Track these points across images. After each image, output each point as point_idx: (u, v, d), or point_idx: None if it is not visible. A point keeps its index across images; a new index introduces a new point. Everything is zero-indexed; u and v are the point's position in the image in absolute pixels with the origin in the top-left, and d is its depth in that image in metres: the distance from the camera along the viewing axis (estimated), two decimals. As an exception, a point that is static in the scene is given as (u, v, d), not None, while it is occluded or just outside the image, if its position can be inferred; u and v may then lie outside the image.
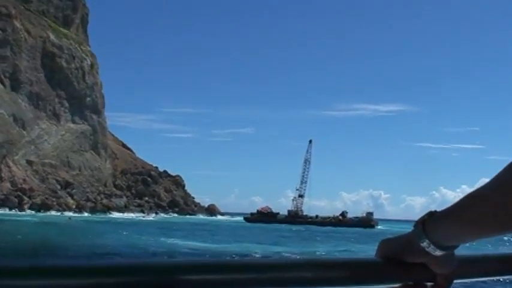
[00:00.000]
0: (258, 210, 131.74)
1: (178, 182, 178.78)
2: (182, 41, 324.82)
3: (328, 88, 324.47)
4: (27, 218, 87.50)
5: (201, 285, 1.17)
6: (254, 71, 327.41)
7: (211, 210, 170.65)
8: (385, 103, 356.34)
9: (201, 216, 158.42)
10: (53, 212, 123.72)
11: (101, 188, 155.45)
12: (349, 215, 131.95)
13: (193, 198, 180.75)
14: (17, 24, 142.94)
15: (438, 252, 1.37)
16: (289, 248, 50.24)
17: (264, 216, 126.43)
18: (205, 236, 64.33)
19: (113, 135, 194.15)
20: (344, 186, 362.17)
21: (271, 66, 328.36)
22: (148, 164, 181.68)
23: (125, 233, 59.01)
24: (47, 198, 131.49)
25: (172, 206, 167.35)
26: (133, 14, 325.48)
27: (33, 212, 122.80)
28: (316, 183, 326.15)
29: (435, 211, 1.39)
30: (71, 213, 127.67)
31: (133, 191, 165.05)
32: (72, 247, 36.59)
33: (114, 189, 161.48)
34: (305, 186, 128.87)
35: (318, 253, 41.23)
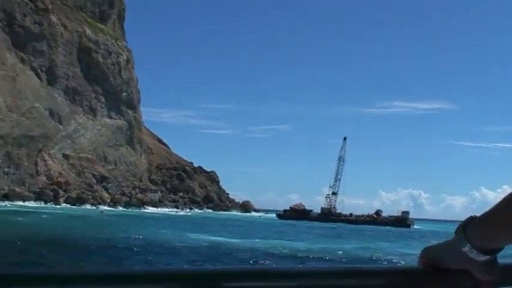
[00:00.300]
0: (290, 207, 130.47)
1: (212, 178, 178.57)
2: (221, 37, 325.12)
3: (368, 85, 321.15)
4: (60, 212, 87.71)
5: None
6: (293, 67, 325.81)
7: (245, 207, 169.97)
8: (425, 101, 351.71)
9: (235, 213, 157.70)
10: (88, 206, 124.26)
11: (136, 183, 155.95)
12: (387, 214, 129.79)
13: (228, 194, 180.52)
14: (54, 18, 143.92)
15: (481, 257, 1.36)
16: (312, 244, 48.88)
17: (297, 214, 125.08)
18: (235, 231, 63.35)
19: (148, 130, 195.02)
20: (382, 185, 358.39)
21: (310, 62, 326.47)
22: (184, 160, 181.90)
23: (151, 227, 58.32)
24: (82, 192, 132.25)
25: (207, 201, 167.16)
26: (172, 10, 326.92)
27: (68, 205, 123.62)
28: (354, 181, 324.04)
29: (476, 216, 1.39)
30: (105, 207, 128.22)
31: (168, 186, 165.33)
32: (93, 239, 35.92)
33: (149, 183, 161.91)
34: (339, 184, 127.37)
35: (339, 252, 39.74)
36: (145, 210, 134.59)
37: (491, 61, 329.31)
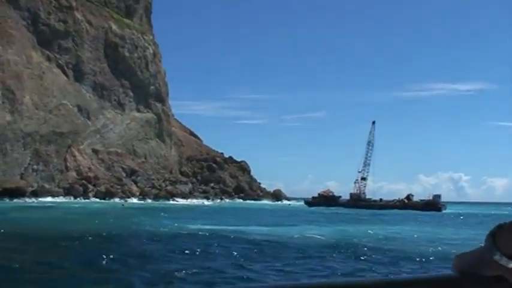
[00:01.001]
0: (319, 194, 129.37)
1: (243, 168, 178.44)
2: (251, 28, 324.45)
3: (404, 68, 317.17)
4: (76, 205, 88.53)
5: None
6: (324, 54, 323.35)
7: (276, 195, 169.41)
8: (463, 82, 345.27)
9: (265, 202, 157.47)
10: (117, 199, 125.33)
11: (166, 175, 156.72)
12: (419, 198, 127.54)
13: (260, 183, 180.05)
14: (78, 15, 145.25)
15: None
16: (327, 228, 48.10)
17: (325, 200, 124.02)
18: (250, 219, 62.95)
19: (179, 123, 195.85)
20: (422, 169, 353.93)
21: (342, 48, 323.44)
22: (214, 151, 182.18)
23: (160, 219, 58.19)
24: (111, 186, 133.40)
25: (238, 191, 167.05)
26: (202, 2, 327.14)
27: (97, 199, 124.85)
28: (392, 166, 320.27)
29: (504, 223, 1.41)
30: (134, 200, 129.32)
31: (198, 178, 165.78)
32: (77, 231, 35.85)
33: (180, 176, 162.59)
34: (368, 169, 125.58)
35: (353, 236, 38.95)
36: (175, 202, 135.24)
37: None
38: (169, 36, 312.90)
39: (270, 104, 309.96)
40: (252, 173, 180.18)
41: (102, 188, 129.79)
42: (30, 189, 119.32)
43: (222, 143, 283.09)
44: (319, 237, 37.98)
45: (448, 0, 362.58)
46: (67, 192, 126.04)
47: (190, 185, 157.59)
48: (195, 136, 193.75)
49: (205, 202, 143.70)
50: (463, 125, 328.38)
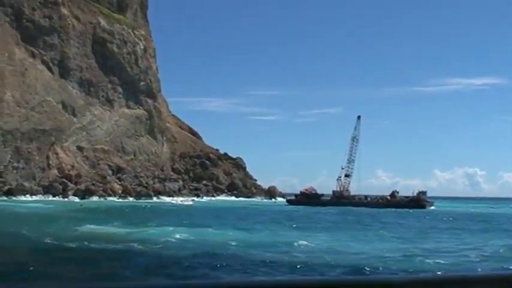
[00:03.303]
0: (301, 192, 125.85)
1: (238, 165, 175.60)
2: (267, 23, 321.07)
3: (419, 64, 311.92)
4: (37, 205, 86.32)
5: None
6: (341, 49, 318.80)
7: (271, 193, 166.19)
8: (479, 76, 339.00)
9: (255, 199, 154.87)
10: (95, 198, 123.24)
11: (156, 172, 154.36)
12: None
13: (255, 180, 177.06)
14: (64, 11, 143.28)
15: None
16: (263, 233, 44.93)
17: (307, 198, 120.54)
18: (192, 219, 60.16)
19: (178, 119, 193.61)
20: (438, 164, 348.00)
21: (358, 43, 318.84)
22: (209, 147, 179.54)
23: (95, 220, 55.47)
24: (93, 184, 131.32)
25: (231, 188, 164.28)
26: (213, 3, 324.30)
27: (76, 198, 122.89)
28: (408, 161, 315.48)
29: None
30: (115, 199, 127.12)
31: (191, 175, 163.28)
32: None
33: (171, 173, 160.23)
34: (353, 166, 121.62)
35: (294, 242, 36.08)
36: (160, 200, 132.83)
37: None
38: (181, 32, 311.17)
39: (286, 100, 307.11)
40: (247, 170, 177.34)
41: (82, 186, 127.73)
42: (5, 187, 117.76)
43: (236, 139, 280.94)
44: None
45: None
46: (46, 190, 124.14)
47: (180, 183, 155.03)
48: (194, 133, 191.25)
49: (195, 199, 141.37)
50: (479, 120, 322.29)
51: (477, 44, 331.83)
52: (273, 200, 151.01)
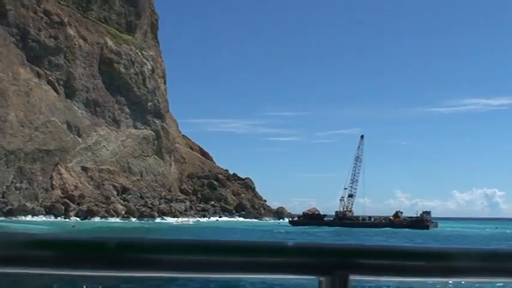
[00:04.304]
0: (303, 213, 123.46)
1: (247, 185, 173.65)
2: (284, 45, 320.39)
3: (437, 84, 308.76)
4: (32, 226, 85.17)
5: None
6: (357, 70, 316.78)
7: (279, 214, 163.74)
8: (496, 97, 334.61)
9: (264, 220, 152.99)
10: (97, 219, 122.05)
11: (163, 193, 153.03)
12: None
13: (265, 200, 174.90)
14: (71, 31, 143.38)
15: None
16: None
17: (310, 219, 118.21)
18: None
19: (189, 139, 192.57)
20: (457, 184, 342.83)
21: (376, 64, 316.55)
22: (218, 168, 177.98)
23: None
24: (96, 205, 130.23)
25: (239, 209, 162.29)
26: (229, 23, 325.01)
27: (78, 219, 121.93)
28: (427, 182, 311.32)
29: None
30: (117, 219, 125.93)
31: (199, 195, 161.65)
32: None
33: (179, 193, 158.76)
34: (356, 186, 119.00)
35: None
36: (164, 221, 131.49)
37: None
38: (199, 54, 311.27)
39: (303, 120, 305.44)
40: (256, 190, 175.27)
41: (84, 207, 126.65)
42: (6, 208, 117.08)
43: (253, 159, 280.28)
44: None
45: (482, 14, 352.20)
46: (48, 211, 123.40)
47: (187, 203, 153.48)
48: (204, 153, 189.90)
49: (200, 220, 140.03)
50: (497, 140, 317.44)
51: (495, 64, 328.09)
52: (279, 221, 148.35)
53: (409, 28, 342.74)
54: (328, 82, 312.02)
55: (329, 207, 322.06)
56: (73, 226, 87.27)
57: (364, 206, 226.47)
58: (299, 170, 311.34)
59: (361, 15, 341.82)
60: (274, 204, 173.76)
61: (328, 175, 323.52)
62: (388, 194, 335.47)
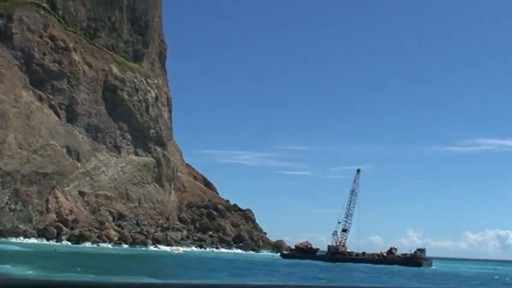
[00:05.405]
0: (296, 246, 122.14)
1: (248, 216, 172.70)
2: (296, 80, 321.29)
3: (452, 123, 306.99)
4: (11, 247, 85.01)
5: None
6: (373, 106, 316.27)
7: (278, 246, 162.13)
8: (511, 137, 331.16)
9: (261, 252, 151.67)
10: (88, 244, 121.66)
11: (160, 221, 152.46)
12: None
13: (265, 233, 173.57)
14: (76, 57, 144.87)
15: None
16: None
17: (302, 253, 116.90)
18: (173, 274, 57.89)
19: (193, 169, 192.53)
20: (469, 225, 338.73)
21: (390, 100, 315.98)
22: (218, 198, 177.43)
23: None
24: (89, 230, 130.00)
25: (238, 241, 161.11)
26: (245, 56, 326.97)
27: (69, 243, 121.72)
28: (439, 222, 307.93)
29: None
30: (109, 245, 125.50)
31: (197, 225, 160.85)
32: None
33: (177, 222, 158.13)
34: (350, 220, 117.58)
35: None
36: (156, 249, 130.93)
37: None
38: (214, 86, 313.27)
39: (316, 155, 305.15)
40: (256, 222, 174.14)
41: (76, 232, 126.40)
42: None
43: (263, 193, 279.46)
44: None
45: (497, 56, 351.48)
46: (40, 233, 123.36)
47: (184, 232, 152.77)
48: (207, 183, 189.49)
49: (194, 249, 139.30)
50: (511, 181, 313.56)
51: (511, 105, 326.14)
52: (274, 254, 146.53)
53: (424, 66, 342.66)
54: (342, 117, 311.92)
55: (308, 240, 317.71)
56: (54, 250, 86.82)
57: (373, 243, 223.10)
58: (310, 205, 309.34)
59: (377, 53, 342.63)
60: (278, 238, 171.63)
61: (339, 211, 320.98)
62: (399, 232, 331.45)
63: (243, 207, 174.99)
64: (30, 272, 43.78)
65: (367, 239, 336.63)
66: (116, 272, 47.98)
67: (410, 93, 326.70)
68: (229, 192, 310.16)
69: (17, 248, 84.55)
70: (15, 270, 43.68)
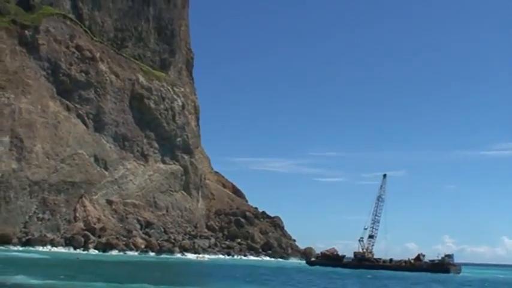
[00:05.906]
0: (321, 253, 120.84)
1: (276, 224, 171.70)
2: (331, 87, 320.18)
3: (486, 127, 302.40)
4: (30, 255, 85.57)
5: None
6: (406, 111, 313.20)
7: (307, 254, 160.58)
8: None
9: (290, 260, 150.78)
10: (115, 252, 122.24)
11: (188, 229, 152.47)
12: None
13: (294, 240, 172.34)
14: (103, 67, 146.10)
15: None
16: None
17: (328, 260, 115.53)
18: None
19: (222, 176, 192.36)
20: (506, 230, 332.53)
21: (423, 105, 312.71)
22: (247, 205, 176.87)
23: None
24: (116, 238, 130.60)
25: (266, 248, 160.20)
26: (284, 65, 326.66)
27: (96, 251, 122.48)
28: (475, 227, 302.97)
29: None
30: (135, 253, 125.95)
31: (225, 232, 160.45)
32: None
33: (205, 230, 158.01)
34: (377, 226, 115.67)
35: None
36: (183, 256, 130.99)
37: None
38: (248, 95, 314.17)
39: (349, 161, 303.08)
40: (285, 229, 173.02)
41: (103, 240, 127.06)
42: (25, 237, 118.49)
43: (296, 199, 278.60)
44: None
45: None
46: (68, 242, 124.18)
47: (212, 240, 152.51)
48: (236, 191, 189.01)
49: (222, 257, 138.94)
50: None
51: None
52: (299, 261, 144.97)
53: (459, 71, 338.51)
54: (376, 123, 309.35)
55: (375, 250, 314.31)
56: (77, 258, 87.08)
57: (408, 250, 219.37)
58: (344, 211, 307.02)
59: (410, 57, 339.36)
60: (311, 245, 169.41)
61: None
62: (435, 238, 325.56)
63: (273, 215, 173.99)
64: (33, 280, 43.39)
65: (402, 246, 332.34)
66: (123, 279, 47.43)
67: (444, 98, 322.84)
68: (259, 199, 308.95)
69: (36, 255, 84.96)
70: (8, 279, 43.01)
